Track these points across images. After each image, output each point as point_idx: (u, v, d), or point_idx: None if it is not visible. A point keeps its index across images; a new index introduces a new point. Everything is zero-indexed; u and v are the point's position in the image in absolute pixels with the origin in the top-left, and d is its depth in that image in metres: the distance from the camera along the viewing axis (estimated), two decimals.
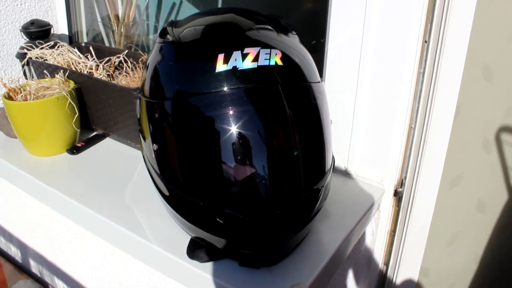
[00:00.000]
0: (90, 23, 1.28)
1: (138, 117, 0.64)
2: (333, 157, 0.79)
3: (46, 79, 0.93)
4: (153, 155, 0.61)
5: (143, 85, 0.62)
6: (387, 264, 0.89)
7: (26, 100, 0.85)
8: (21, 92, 0.87)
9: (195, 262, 0.60)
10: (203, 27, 0.59)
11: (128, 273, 0.87)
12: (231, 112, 0.53)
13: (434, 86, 0.73)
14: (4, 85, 0.88)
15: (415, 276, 0.91)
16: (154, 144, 0.60)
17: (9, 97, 0.87)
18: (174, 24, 0.62)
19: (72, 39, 1.26)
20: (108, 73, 1.03)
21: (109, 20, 1.28)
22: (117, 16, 1.25)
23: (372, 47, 0.71)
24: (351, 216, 0.70)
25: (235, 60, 0.53)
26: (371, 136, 0.77)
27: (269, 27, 0.60)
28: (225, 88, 0.53)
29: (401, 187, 0.82)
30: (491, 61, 0.80)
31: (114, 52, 1.05)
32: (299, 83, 0.58)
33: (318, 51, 0.81)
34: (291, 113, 0.55)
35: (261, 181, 0.55)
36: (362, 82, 0.74)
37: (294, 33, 0.62)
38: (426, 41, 0.71)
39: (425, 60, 0.72)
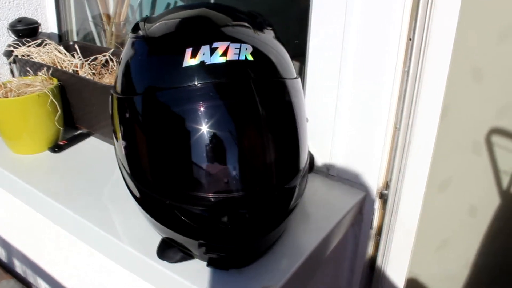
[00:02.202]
0: (81, 22, 1.27)
1: (111, 114, 0.63)
2: (312, 157, 0.78)
3: (29, 77, 0.92)
4: (122, 152, 0.59)
5: (115, 81, 0.61)
6: (372, 268, 0.87)
7: (7, 97, 0.84)
8: (2, 89, 0.86)
9: (164, 262, 0.59)
10: (173, 21, 0.58)
11: (109, 274, 0.86)
12: (197, 108, 0.52)
13: (418, 85, 0.71)
14: None
15: (402, 282, 0.89)
16: (122, 140, 0.58)
17: None
18: (148, 19, 0.61)
19: (62, 38, 1.25)
20: (93, 71, 1.02)
21: (100, 19, 1.27)
22: (108, 16, 1.24)
23: (354, 45, 0.69)
24: (329, 218, 0.68)
25: (203, 54, 0.52)
26: (354, 136, 0.75)
27: (243, 23, 0.58)
28: (193, 83, 0.52)
29: (386, 190, 0.80)
30: (480, 61, 0.78)
31: (102, 51, 1.04)
32: (272, 79, 0.56)
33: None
34: (260, 109, 0.54)
35: (228, 179, 0.53)
36: (344, 81, 0.72)
37: (270, 28, 0.61)
38: (410, 39, 0.69)
39: (410, 59, 0.70)
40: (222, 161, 0.53)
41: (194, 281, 0.56)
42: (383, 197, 0.80)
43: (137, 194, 0.60)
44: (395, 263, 0.85)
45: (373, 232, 0.83)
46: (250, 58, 0.53)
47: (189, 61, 0.52)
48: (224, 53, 0.52)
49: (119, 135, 0.59)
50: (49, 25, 1.23)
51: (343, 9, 0.68)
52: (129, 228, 0.66)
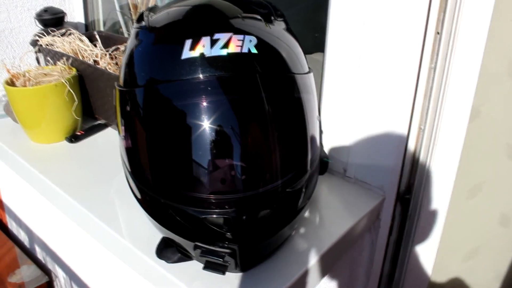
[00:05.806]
0: (108, 12, 1.27)
1: (114, 107, 0.61)
2: (326, 157, 0.73)
3: (49, 66, 0.92)
4: (123, 146, 0.58)
5: (119, 73, 0.59)
6: (391, 277, 0.82)
7: (25, 86, 0.85)
8: (21, 78, 0.86)
9: (162, 262, 0.57)
10: (177, 11, 0.55)
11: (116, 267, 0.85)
12: (196, 103, 0.49)
13: (446, 83, 0.65)
14: (8, 70, 0.88)
15: None
16: (122, 134, 0.57)
17: (11, 82, 0.87)
18: (153, 9, 0.59)
19: (89, 28, 1.26)
20: (116, 62, 1.01)
21: (128, 9, 1.27)
22: (135, 5, 1.23)
23: (375, 39, 0.64)
24: (343, 223, 0.64)
25: (203, 46, 0.49)
26: (374, 136, 0.70)
27: (254, 15, 0.54)
28: (192, 76, 0.49)
29: (408, 194, 0.74)
30: None
31: (125, 41, 1.03)
32: (277, 74, 0.52)
33: None
34: (262, 105, 0.50)
35: (226, 179, 0.50)
36: (364, 77, 0.67)
37: (280, 19, 0.57)
38: (438, 32, 0.64)
39: (437, 54, 0.64)
40: (218, 160, 0.49)
41: (189, 284, 0.53)
42: (404, 202, 0.75)
43: (136, 191, 0.59)
44: (416, 272, 0.80)
45: (393, 238, 0.78)
46: (254, 51, 0.50)
47: (188, 53, 0.49)
48: (226, 45, 0.49)
49: (120, 129, 0.58)
50: (76, 15, 1.24)
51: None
52: (132, 224, 0.65)
